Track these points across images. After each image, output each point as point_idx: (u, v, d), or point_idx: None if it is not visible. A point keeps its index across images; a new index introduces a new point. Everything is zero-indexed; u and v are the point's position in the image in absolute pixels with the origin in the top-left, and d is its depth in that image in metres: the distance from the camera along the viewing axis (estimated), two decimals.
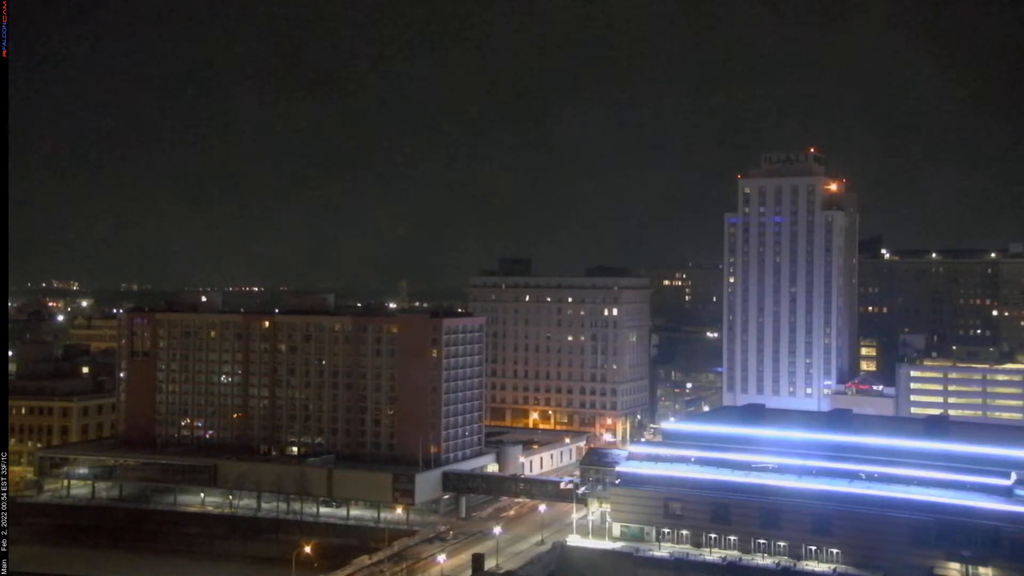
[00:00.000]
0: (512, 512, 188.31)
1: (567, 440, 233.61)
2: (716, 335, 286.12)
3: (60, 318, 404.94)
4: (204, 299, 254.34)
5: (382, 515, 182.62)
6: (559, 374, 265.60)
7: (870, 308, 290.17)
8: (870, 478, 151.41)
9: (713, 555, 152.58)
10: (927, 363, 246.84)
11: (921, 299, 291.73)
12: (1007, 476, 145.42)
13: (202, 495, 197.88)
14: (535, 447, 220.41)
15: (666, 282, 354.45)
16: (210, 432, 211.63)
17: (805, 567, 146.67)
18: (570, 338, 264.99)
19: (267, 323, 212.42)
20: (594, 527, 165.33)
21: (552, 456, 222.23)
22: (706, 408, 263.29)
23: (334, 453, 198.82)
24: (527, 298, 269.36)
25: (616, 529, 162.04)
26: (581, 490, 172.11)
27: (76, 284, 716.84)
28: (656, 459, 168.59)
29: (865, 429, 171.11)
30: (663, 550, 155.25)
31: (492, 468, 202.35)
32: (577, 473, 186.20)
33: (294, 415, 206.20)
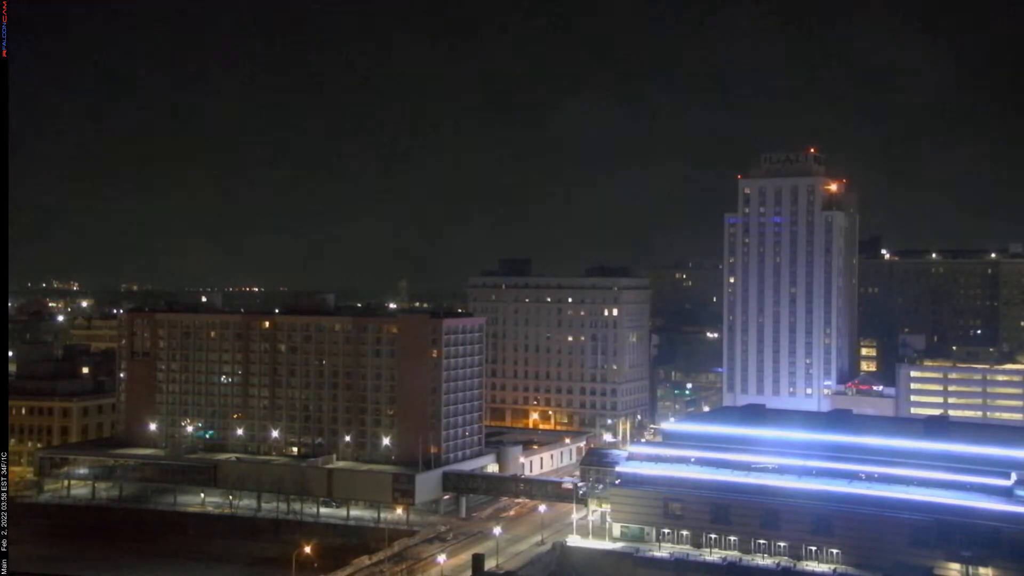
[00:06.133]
0: (512, 512, 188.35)
1: (567, 440, 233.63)
2: (716, 335, 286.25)
3: (60, 318, 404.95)
4: (204, 299, 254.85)
5: (382, 515, 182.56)
6: (559, 374, 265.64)
7: (870, 308, 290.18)
8: (870, 478, 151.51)
9: (713, 555, 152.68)
10: (927, 363, 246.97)
11: (921, 299, 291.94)
12: (1007, 476, 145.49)
13: (202, 495, 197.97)
14: (535, 447, 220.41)
15: (666, 282, 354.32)
16: (210, 432, 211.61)
17: (805, 567, 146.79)
18: (570, 338, 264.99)
19: (267, 323, 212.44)
20: (594, 527, 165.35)
21: (552, 456, 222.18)
22: (706, 408, 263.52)
23: (334, 453, 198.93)
24: (527, 298, 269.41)
25: (616, 529, 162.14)
26: (581, 490, 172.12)
27: (76, 284, 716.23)
28: (656, 459, 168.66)
29: (865, 429, 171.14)
30: (663, 550, 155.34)
31: (492, 468, 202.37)
32: (577, 473, 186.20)
33: (294, 415, 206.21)
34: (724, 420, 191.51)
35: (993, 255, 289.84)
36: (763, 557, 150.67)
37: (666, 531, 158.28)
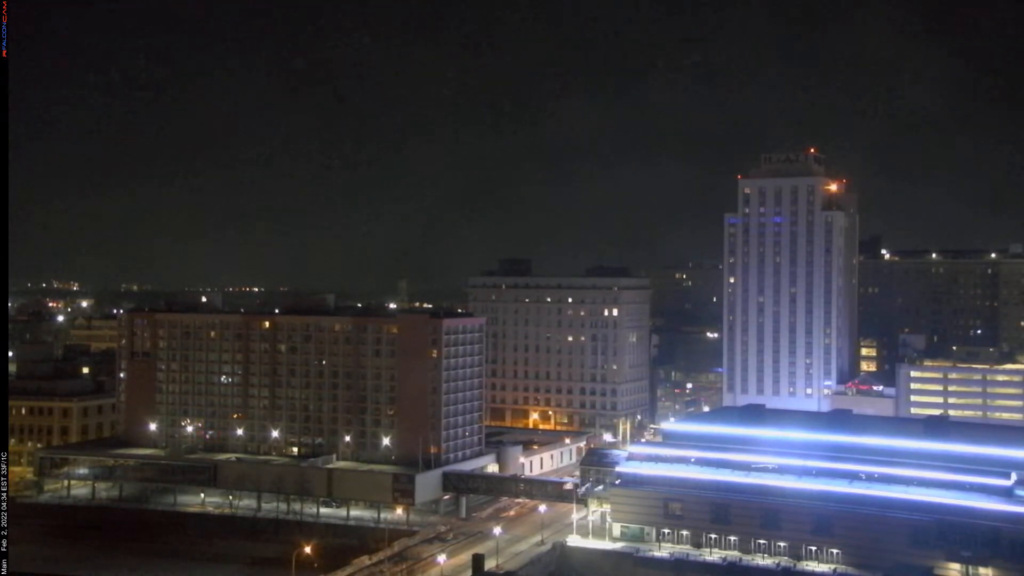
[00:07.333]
0: (512, 512, 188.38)
1: (567, 440, 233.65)
2: (716, 335, 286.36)
3: (60, 318, 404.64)
4: (204, 299, 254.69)
5: (382, 515, 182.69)
6: (559, 374, 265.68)
7: (870, 308, 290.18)
8: (870, 478, 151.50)
9: (713, 555, 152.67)
10: (927, 363, 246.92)
11: (921, 299, 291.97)
12: (1007, 476, 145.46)
13: (202, 495, 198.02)
14: (535, 447, 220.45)
15: (666, 282, 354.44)
16: (210, 432, 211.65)
17: (805, 567, 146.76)
18: (570, 338, 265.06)
19: (267, 323, 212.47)
20: (594, 527, 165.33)
21: (552, 456, 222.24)
22: (706, 408, 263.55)
23: (334, 453, 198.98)
24: (527, 298, 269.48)
25: (616, 529, 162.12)
26: (581, 490, 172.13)
27: (76, 284, 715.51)
28: (656, 459, 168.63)
29: (865, 429, 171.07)
30: (663, 550, 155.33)
31: (492, 468, 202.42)
32: (577, 473, 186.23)
33: (294, 415, 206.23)
34: (724, 420, 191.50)
35: (993, 255, 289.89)
36: (763, 557, 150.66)
37: (666, 531, 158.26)
